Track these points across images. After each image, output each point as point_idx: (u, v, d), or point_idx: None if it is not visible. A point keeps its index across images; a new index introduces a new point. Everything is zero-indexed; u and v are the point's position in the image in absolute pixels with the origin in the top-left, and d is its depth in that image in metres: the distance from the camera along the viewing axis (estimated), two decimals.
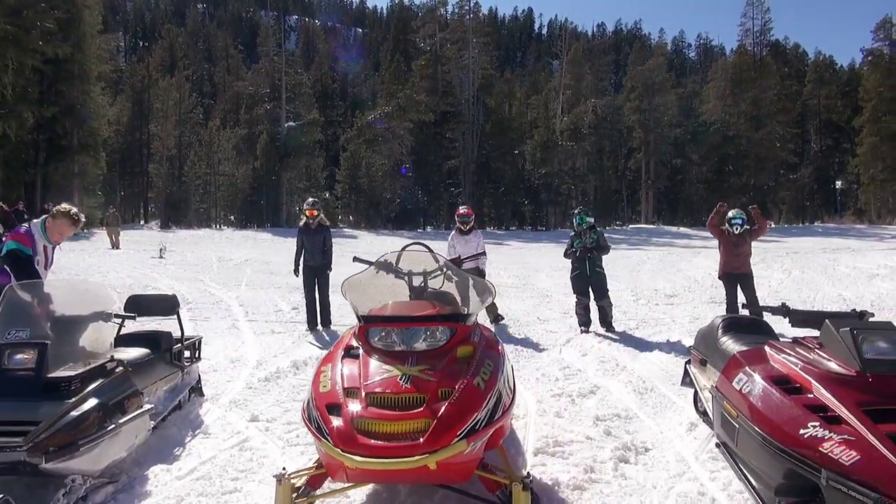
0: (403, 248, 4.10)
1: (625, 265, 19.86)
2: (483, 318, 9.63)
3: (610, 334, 8.58)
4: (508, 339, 8.43)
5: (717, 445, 3.75)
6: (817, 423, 2.70)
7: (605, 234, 9.44)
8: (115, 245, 24.41)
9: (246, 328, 9.39)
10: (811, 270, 17.57)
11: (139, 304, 4.99)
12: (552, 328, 9.18)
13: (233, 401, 5.45)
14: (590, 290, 8.99)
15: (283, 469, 3.21)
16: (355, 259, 4.85)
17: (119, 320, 4.48)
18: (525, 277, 16.06)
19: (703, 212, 52.04)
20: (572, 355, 7.24)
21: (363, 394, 3.05)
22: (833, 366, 2.96)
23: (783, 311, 3.68)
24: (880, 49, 48.32)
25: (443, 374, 3.16)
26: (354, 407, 2.99)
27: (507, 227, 50.15)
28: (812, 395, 2.90)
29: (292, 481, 3.17)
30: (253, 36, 74.52)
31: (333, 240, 9.68)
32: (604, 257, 9.01)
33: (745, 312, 8.80)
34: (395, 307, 3.67)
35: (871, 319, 3.49)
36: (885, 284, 13.62)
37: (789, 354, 3.19)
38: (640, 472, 3.84)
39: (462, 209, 9.82)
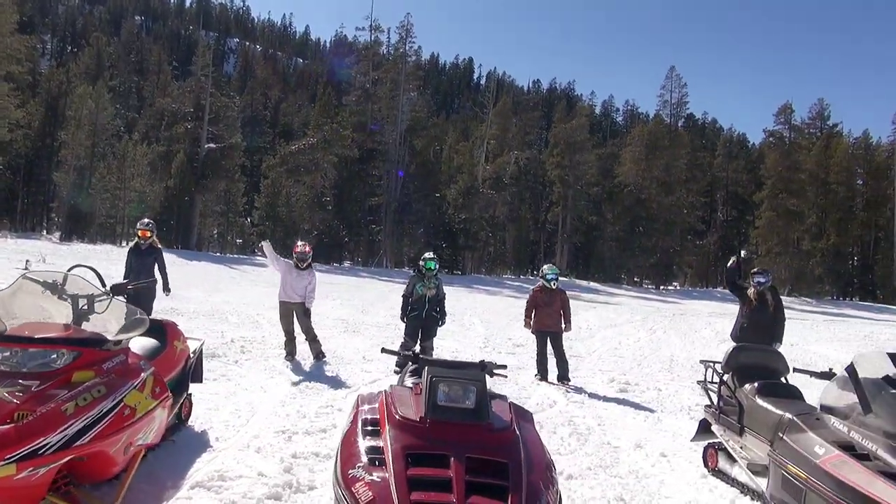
0: (70, 270, 4.05)
1: (511, 314, 20.10)
2: (308, 356, 9.52)
3: None
4: (318, 377, 8.31)
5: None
6: (362, 464, 2.78)
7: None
8: None
9: None
10: (674, 332, 18.29)
11: None
12: (370, 368, 9.16)
13: None
14: (419, 332, 9.15)
15: None
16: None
17: None
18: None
19: (613, 268, 54.19)
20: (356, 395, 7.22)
21: None
22: (409, 411, 3.07)
23: (410, 359, 3.82)
24: (780, 132, 51.98)
25: (33, 397, 3.09)
26: None
27: None
28: (380, 439, 2.99)
29: None
30: (190, 54, 73.53)
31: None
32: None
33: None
34: (29, 327, 3.58)
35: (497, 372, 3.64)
36: (725, 347, 14.31)
37: (392, 399, 3.28)
38: None
39: (299, 246, 9.75)
